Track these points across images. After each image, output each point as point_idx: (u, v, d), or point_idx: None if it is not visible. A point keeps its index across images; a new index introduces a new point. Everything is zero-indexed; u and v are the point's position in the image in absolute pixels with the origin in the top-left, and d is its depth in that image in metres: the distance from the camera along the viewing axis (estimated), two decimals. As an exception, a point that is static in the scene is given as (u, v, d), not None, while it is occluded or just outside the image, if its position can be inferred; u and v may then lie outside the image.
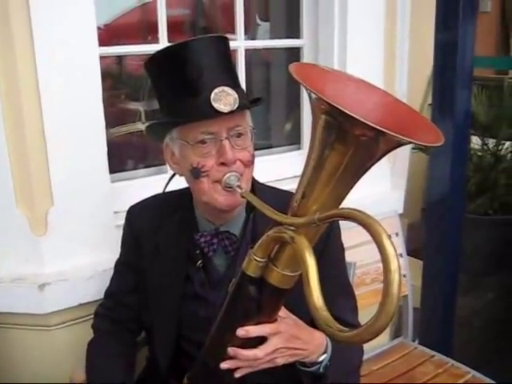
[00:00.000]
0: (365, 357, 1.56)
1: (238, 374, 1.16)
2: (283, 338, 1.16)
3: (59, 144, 1.69)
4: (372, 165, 0.94)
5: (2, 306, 1.73)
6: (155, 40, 1.99)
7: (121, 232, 1.59)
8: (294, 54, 2.40)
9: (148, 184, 1.96)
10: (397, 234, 2.13)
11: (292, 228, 0.98)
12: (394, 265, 0.80)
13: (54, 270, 1.75)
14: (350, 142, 0.89)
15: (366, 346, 1.46)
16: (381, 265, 2.17)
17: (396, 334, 2.37)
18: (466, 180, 2.54)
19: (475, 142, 3.69)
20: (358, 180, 0.97)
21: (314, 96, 0.89)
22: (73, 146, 1.71)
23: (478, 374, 1.91)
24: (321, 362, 1.26)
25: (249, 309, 1.10)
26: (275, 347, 1.15)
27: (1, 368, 1.83)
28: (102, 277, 1.71)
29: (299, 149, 2.46)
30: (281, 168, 2.29)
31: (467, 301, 3.27)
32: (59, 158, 1.70)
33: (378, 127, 0.82)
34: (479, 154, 3.68)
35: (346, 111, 0.83)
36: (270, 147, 2.45)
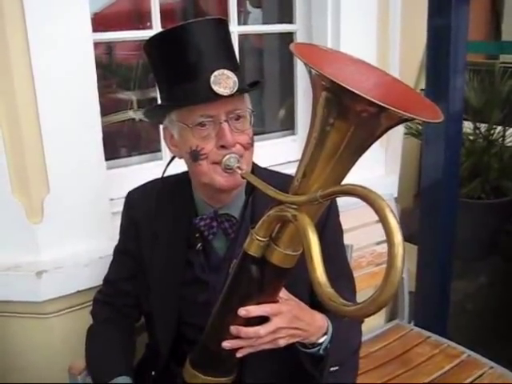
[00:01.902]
0: (361, 339, 1.58)
1: (239, 354, 1.17)
2: (285, 319, 1.16)
3: (54, 131, 1.69)
4: (373, 142, 0.95)
5: (-1, 294, 1.73)
6: (147, 27, 1.99)
7: (117, 219, 1.59)
8: (287, 39, 2.40)
9: (143, 171, 1.96)
10: (393, 217, 2.12)
11: (294, 206, 0.98)
12: (397, 238, 0.80)
13: (51, 258, 1.75)
14: (351, 119, 0.89)
15: (362, 329, 1.48)
16: (376, 248, 2.19)
17: (391, 317, 2.39)
18: (459, 165, 2.55)
19: (467, 126, 3.70)
20: (358, 158, 0.97)
21: (314, 73, 0.89)
22: (68, 133, 1.71)
23: (474, 353, 1.94)
24: (321, 344, 1.26)
25: (250, 289, 1.11)
26: (277, 327, 1.15)
27: (-1, 357, 1.84)
28: (99, 264, 1.71)
29: (293, 134, 2.46)
30: (275, 154, 2.30)
31: (460, 285, 3.30)
32: (55, 145, 1.69)
33: (379, 103, 0.82)
34: (471, 138, 3.70)
35: (347, 87, 0.83)
36: (264, 133, 2.45)
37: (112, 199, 1.86)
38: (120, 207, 1.56)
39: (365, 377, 1.84)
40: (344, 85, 0.84)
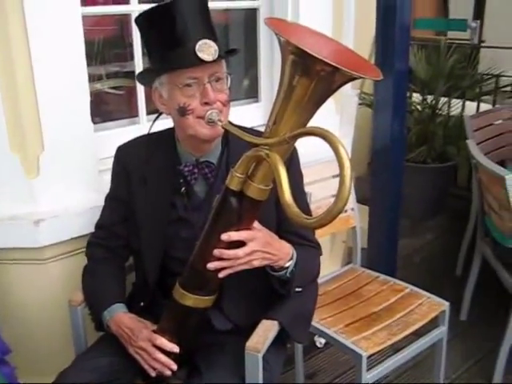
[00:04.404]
0: (320, 281, 1.85)
1: (221, 275, 1.41)
2: (259, 243, 1.41)
3: (48, 95, 1.87)
4: (329, 96, 1.21)
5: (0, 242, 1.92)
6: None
7: (103, 175, 1.79)
8: (251, 15, 2.63)
9: (124, 134, 2.16)
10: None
11: (266, 147, 1.24)
12: (346, 163, 1.07)
13: (47, 209, 1.94)
14: (311, 77, 1.15)
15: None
16: (332, 199, 2.44)
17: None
18: (405, 131, 2.80)
19: (416, 97, 4.02)
20: (318, 108, 1.23)
21: (283, 40, 1.15)
22: (60, 97, 1.90)
23: (415, 288, 2.24)
24: (287, 268, 1.53)
25: (231, 218, 1.35)
26: (252, 249, 1.40)
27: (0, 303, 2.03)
28: (90, 213, 1.91)
29: (257, 102, 2.72)
30: (241, 119, 2.50)
31: (409, 241, 3.65)
32: (49, 107, 1.88)
33: (334, 64, 1.09)
34: (419, 108, 4.01)
35: (310, 51, 1.09)
36: (231, 100, 2.67)
37: (100, 159, 2.07)
38: (105, 166, 1.77)
39: (324, 309, 2.12)
40: (307, 50, 1.09)
